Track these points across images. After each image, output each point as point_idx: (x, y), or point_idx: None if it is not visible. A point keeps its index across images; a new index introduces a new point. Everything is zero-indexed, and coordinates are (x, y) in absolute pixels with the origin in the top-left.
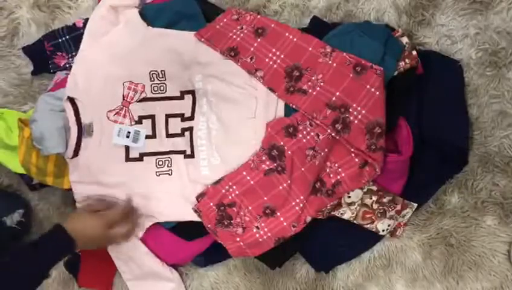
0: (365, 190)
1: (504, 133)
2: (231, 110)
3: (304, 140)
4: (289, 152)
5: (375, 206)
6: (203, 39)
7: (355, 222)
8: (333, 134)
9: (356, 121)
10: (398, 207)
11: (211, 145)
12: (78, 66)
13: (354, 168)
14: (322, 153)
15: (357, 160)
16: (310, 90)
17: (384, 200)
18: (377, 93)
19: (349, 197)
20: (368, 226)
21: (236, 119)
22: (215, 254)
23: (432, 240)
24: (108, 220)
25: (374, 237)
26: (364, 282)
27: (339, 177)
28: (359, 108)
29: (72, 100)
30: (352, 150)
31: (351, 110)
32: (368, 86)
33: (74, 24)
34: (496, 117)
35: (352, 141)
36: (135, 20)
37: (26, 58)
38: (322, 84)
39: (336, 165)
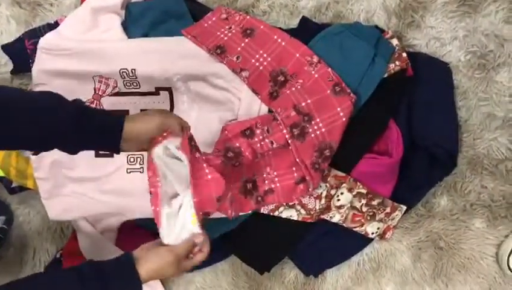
0: (354, 193)
1: (492, 135)
2: (213, 110)
3: (258, 145)
4: (246, 153)
5: (364, 209)
6: (190, 36)
7: (344, 225)
8: (287, 136)
9: (313, 135)
10: (388, 210)
11: None
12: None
13: (290, 181)
14: (266, 155)
15: (295, 175)
16: (287, 91)
17: (374, 202)
18: (343, 119)
19: (339, 200)
20: (357, 229)
21: (218, 119)
22: None
23: (421, 243)
24: (180, 254)
25: (363, 240)
26: (354, 286)
27: (273, 186)
28: (321, 124)
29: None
30: (297, 160)
31: (313, 122)
32: (339, 109)
33: (56, 22)
34: (485, 119)
35: (301, 151)
36: (117, 30)
37: (5, 57)
38: (299, 87)
39: (275, 173)
